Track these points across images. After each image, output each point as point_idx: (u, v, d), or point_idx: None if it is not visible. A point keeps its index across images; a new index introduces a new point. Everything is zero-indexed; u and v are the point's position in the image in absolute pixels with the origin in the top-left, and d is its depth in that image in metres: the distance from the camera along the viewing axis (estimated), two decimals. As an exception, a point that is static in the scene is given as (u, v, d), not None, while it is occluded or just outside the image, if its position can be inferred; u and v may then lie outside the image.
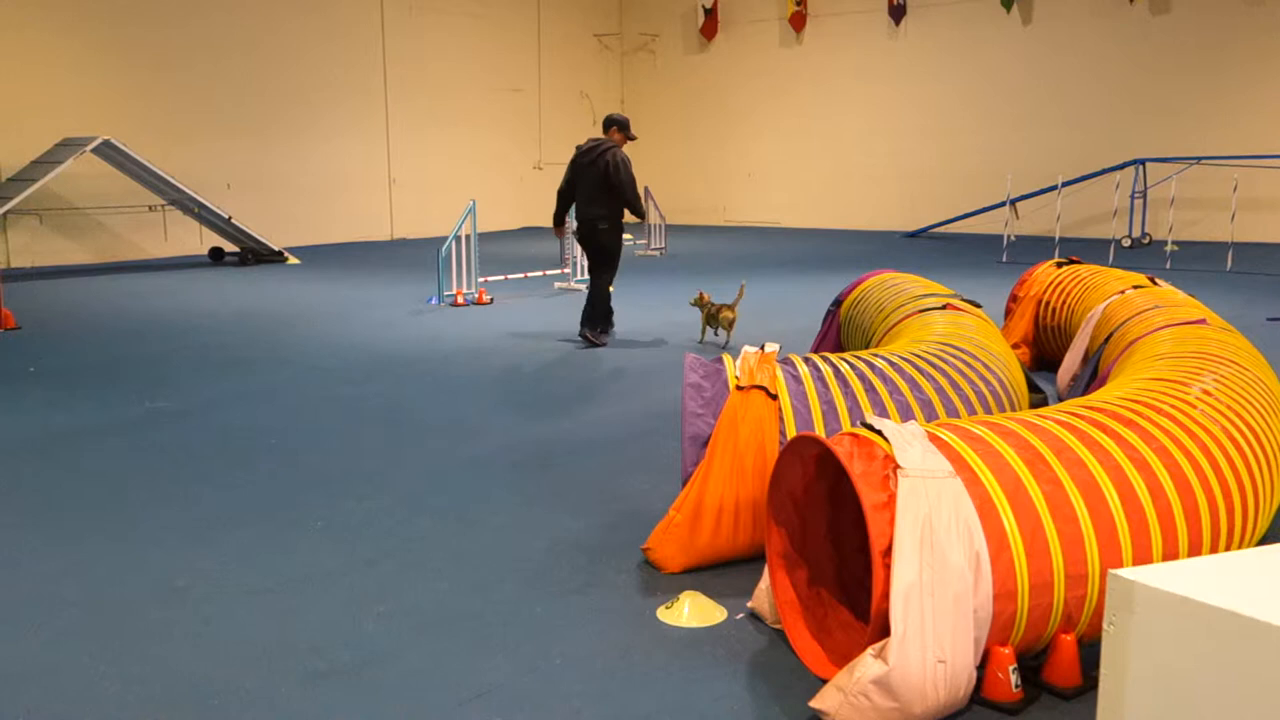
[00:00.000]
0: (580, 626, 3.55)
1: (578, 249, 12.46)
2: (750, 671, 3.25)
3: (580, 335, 9.00)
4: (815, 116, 22.17)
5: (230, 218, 15.13)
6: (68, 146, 13.90)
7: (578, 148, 8.98)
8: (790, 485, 3.50)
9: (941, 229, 19.85)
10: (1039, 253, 13.68)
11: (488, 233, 18.63)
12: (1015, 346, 7.64)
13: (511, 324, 10.07)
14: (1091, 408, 3.55)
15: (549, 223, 19.74)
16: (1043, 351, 7.80)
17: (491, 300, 11.38)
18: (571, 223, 9.54)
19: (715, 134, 23.24)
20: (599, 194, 8.72)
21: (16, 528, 4.56)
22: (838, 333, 7.44)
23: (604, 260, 8.98)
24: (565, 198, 9.05)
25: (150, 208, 15.53)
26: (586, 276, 9.45)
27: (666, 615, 3.61)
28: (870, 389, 4.24)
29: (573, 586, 3.88)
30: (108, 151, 14.04)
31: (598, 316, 9.01)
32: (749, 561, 4.02)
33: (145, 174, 14.61)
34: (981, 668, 2.98)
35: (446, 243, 11.18)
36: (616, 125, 8.94)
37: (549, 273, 13.39)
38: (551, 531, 4.45)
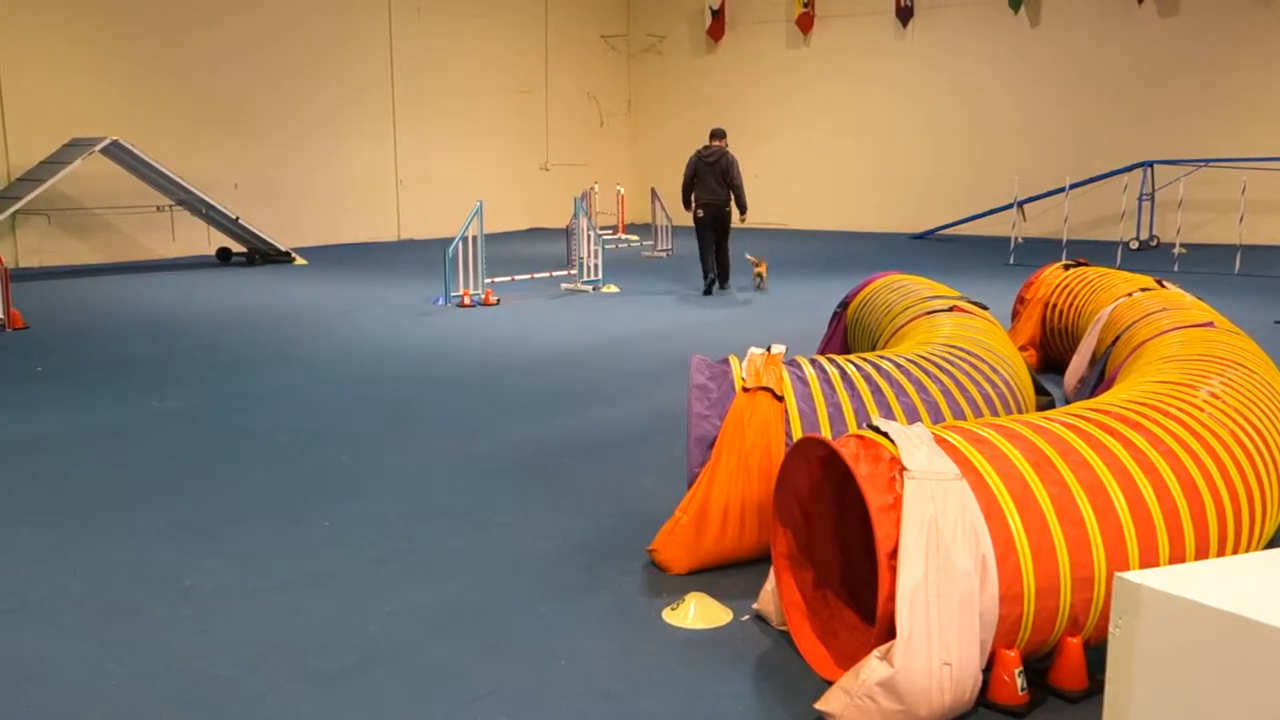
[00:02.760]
0: (585, 627, 3.55)
1: (584, 250, 12.54)
2: (755, 673, 3.25)
3: (723, 288, 12.29)
4: (822, 118, 22.15)
5: (238, 218, 15.17)
6: (76, 147, 13.94)
7: (699, 151, 12.10)
8: (796, 487, 3.49)
9: (948, 231, 19.81)
10: (1046, 255, 13.64)
11: (494, 234, 18.62)
12: (1022, 349, 7.62)
13: (518, 325, 10.08)
14: (1098, 410, 3.54)
15: (555, 224, 20.27)
16: (1050, 354, 7.78)
17: (498, 301, 11.39)
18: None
19: (722, 135, 23.25)
20: (721, 186, 11.92)
21: (24, 526, 4.57)
22: (844, 335, 7.44)
23: (725, 234, 12.18)
24: (689, 188, 12.17)
25: (158, 208, 15.56)
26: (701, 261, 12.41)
27: (672, 617, 3.61)
28: (876, 391, 4.24)
29: (578, 587, 3.88)
30: (116, 152, 14.07)
31: (728, 273, 12.36)
32: (754, 563, 4.02)
33: (153, 174, 14.64)
34: (987, 670, 2.98)
35: (453, 243, 11.19)
36: (724, 136, 12.24)
37: (555, 274, 13.40)
38: (557, 532, 4.46)
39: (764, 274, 12.55)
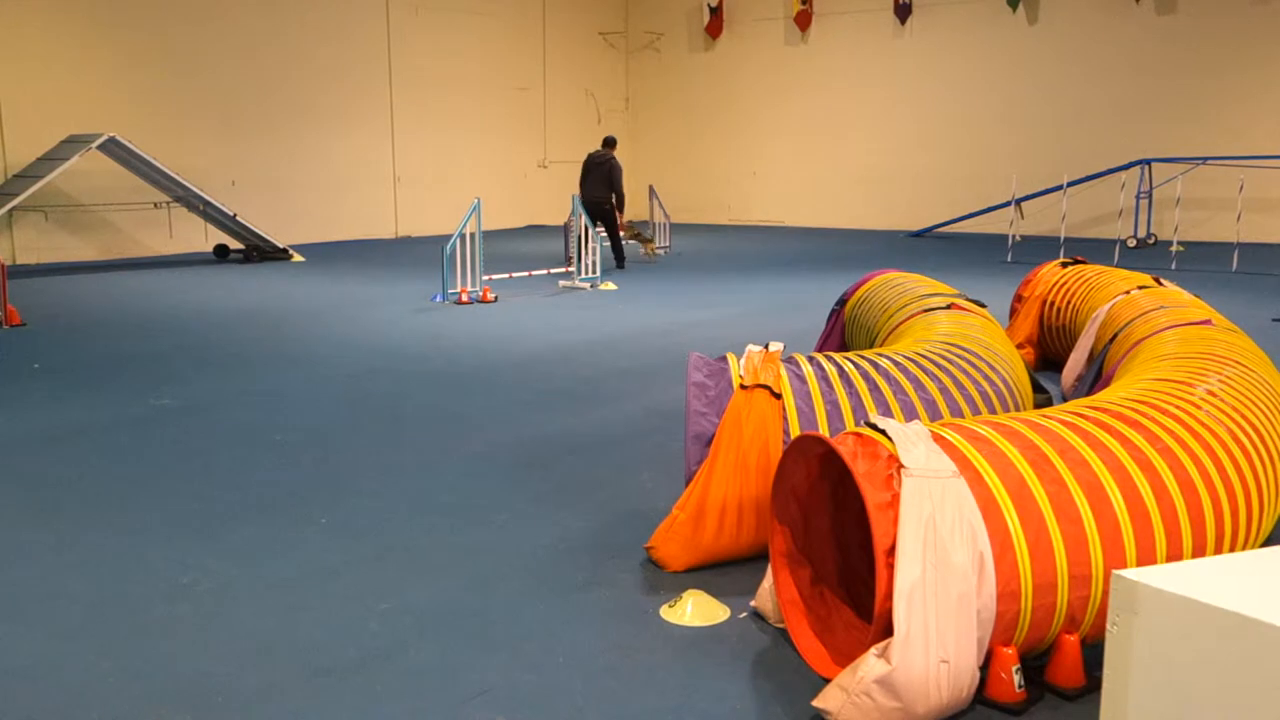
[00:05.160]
0: (583, 625, 3.56)
1: (582, 248, 12.57)
2: (753, 671, 3.25)
3: (618, 266, 14.27)
4: (820, 115, 22.15)
5: (235, 215, 15.15)
6: (73, 143, 13.91)
7: (590, 155, 14.18)
8: (794, 484, 3.50)
9: (946, 228, 19.83)
10: (1044, 253, 13.66)
11: (492, 231, 18.63)
12: (1020, 346, 7.63)
13: (515, 322, 10.08)
14: (1096, 408, 3.55)
15: (554, 220, 20.88)
16: (1047, 352, 7.79)
17: (496, 298, 11.39)
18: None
19: (720, 132, 23.24)
20: (603, 186, 13.97)
21: (20, 524, 4.57)
22: (842, 332, 7.44)
23: (611, 225, 14.18)
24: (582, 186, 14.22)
25: (155, 205, 15.54)
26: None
27: (669, 614, 3.61)
28: (874, 388, 4.24)
29: (576, 585, 3.89)
30: (113, 148, 14.04)
31: (621, 253, 14.39)
32: (752, 560, 4.02)
33: (151, 171, 14.62)
34: (985, 668, 2.98)
35: (451, 241, 11.19)
36: (615, 144, 14.47)
37: (553, 271, 13.39)
38: (555, 530, 4.46)
39: (649, 248, 15.81)
